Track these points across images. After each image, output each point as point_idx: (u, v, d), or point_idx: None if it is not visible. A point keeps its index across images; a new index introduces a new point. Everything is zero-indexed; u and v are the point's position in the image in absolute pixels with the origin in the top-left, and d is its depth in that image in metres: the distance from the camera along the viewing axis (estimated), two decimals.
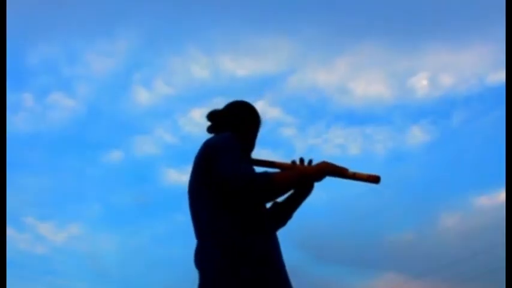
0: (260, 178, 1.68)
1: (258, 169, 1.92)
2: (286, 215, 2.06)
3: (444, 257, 17.33)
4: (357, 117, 20.59)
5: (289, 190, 1.83)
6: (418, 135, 19.72)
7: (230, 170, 1.68)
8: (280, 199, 2.03)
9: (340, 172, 1.82)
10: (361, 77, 20.01)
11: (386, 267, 18.30)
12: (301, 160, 2.00)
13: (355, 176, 1.79)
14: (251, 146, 2.04)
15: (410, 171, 19.68)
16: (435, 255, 17.61)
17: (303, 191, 2.03)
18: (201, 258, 1.77)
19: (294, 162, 1.99)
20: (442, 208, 19.19)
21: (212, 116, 2.05)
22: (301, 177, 1.84)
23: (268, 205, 2.05)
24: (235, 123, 2.00)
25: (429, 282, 17.92)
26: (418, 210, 18.62)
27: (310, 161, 1.98)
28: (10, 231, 15.19)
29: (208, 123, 2.06)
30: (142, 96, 19.00)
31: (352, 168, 1.81)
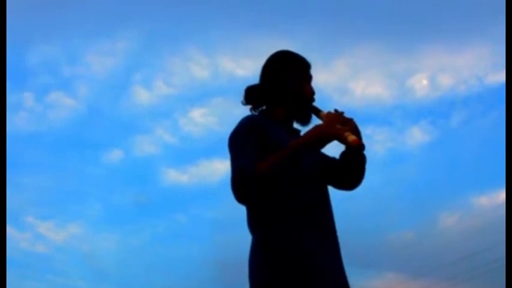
0: (247, 180, 1.57)
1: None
2: (349, 171, 1.85)
3: (444, 257, 17.36)
4: (356, 118, 20.35)
5: (280, 169, 1.61)
6: (417, 136, 19.78)
7: (232, 174, 1.63)
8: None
9: (340, 137, 1.62)
10: (361, 77, 20.07)
11: (387, 267, 18.33)
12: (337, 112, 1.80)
13: (346, 140, 1.60)
14: (305, 91, 1.88)
15: (410, 171, 19.72)
16: (435, 255, 17.64)
17: (348, 153, 1.82)
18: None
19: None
20: (442, 208, 19.26)
21: (247, 94, 1.91)
22: (291, 152, 1.62)
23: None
24: (275, 75, 1.84)
25: (429, 282, 17.94)
26: (418, 210, 18.66)
27: (342, 113, 1.79)
28: (11, 231, 15.23)
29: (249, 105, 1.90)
30: (142, 96, 19.04)
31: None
